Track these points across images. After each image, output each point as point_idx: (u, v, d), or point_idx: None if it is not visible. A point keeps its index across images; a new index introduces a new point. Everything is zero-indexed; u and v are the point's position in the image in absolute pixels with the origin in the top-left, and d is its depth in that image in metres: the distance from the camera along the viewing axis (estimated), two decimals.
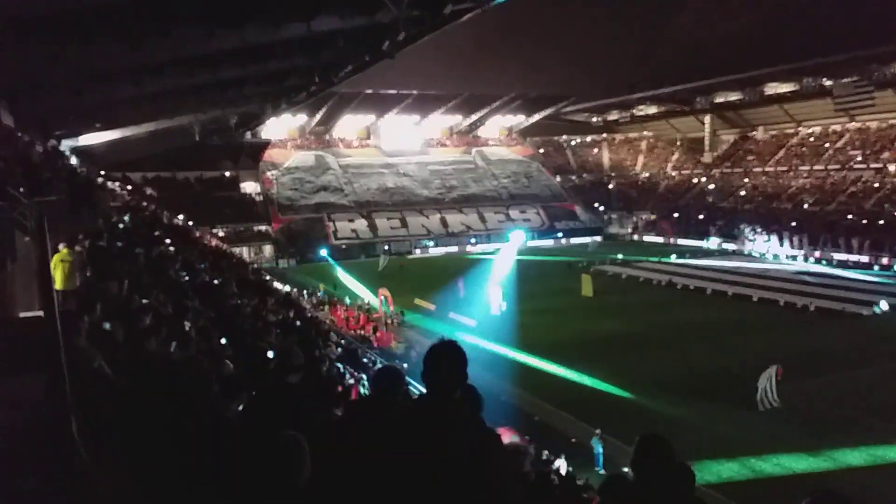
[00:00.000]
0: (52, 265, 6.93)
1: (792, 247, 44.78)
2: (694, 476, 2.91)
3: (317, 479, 2.27)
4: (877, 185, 50.21)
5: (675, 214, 59.24)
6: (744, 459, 13.66)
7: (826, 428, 15.02)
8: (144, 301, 6.63)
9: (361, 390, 10.94)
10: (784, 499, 11.37)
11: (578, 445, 14.46)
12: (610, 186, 69.45)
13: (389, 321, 27.26)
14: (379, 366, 13.56)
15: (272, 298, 17.46)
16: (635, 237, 59.28)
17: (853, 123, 57.72)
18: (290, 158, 61.78)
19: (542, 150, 74.28)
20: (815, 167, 56.71)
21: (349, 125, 67.03)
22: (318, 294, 32.79)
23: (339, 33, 17.96)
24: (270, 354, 5.06)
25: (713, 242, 50.98)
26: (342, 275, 38.35)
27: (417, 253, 52.95)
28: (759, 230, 47.90)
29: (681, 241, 52.91)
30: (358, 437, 2.27)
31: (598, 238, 57.03)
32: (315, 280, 36.41)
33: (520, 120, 73.91)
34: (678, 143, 73.74)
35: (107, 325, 4.55)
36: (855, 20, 44.81)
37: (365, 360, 18.07)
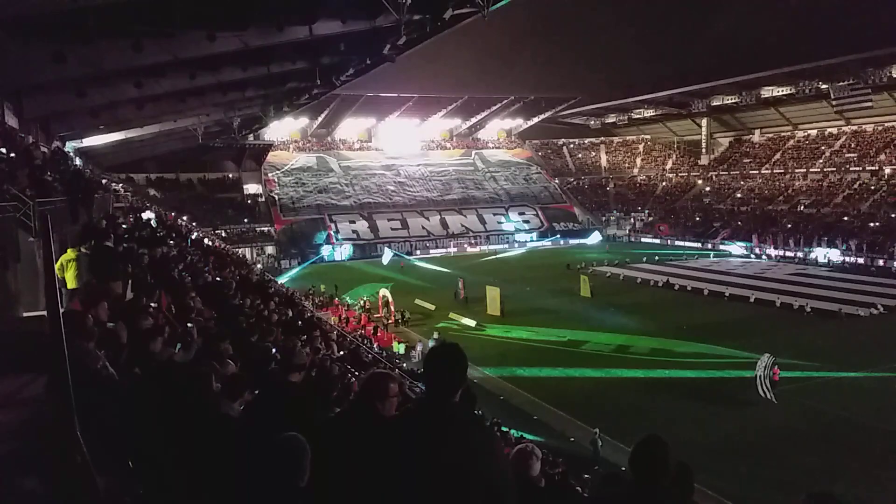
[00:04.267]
0: (59, 265, 7.07)
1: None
2: (692, 476, 2.90)
3: (317, 480, 2.26)
4: (873, 187, 50.56)
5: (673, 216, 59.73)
6: None
7: None
8: (152, 305, 6.67)
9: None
10: None
11: (576, 444, 14.68)
12: (608, 188, 69.79)
13: (390, 321, 27.41)
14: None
15: (274, 298, 17.58)
16: (633, 238, 59.57)
17: (849, 126, 58.14)
18: (293, 160, 62.07)
19: (540, 153, 74.61)
20: (812, 170, 57.06)
21: (350, 128, 67.38)
22: (320, 293, 32.94)
23: (340, 37, 18.21)
24: (272, 354, 5.08)
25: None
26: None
27: (418, 254, 53.16)
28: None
29: (679, 243, 53.27)
30: (358, 437, 2.26)
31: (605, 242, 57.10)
32: (316, 280, 36.56)
33: (518, 123, 74.27)
34: (675, 146, 74.11)
35: (110, 325, 4.52)
36: (851, 24, 45.16)
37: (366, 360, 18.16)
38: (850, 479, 12.19)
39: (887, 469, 12.80)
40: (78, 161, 23.66)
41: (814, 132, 61.15)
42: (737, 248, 48.36)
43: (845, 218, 47.34)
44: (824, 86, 51.91)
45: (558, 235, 58.80)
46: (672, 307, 29.35)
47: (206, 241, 24.15)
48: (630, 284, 36.01)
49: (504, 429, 14.26)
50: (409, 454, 1.86)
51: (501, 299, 28.84)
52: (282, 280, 33.43)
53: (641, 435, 2.38)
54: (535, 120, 72.54)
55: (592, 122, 77.76)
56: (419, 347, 22.62)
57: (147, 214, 10.20)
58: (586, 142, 77.83)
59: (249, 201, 55.64)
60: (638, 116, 71.74)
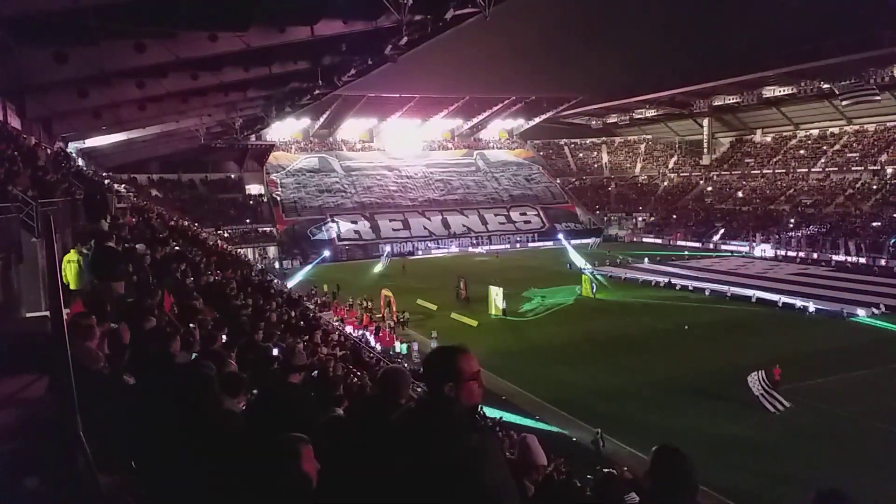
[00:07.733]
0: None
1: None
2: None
3: (318, 480, 2.26)
4: (875, 186, 50.45)
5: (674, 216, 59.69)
6: None
7: None
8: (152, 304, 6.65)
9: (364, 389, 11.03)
10: None
11: (578, 444, 14.67)
12: (609, 188, 69.75)
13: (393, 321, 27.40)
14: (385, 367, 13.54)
15: (276, 299, 17.60)
16: (634, 238, 59.52)
17: (851, 126, 58.02)
18: (295, 161, 62.23)
19: (542, 153, 74.63)
20: (813, 169, 56.96)
21: (352, 128, 67.54)
22: (322, 293, 32.97)
23: (342, 37, 18.25)
24: (274, 354, 5.09)
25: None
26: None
27: (419, 254, 53.23)
28: None
29: (681, 243, 53.21)
30: (358, 437, 2.26)
31: (599, 238, 57.54)
32: (318, 280, 36.60)
33: (520, 123, 74.32)
34: (677, 146, 74.05)
35: (113, 326, 4.53)
36: (852, 24, 45.12)
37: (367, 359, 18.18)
38: (853, 478, 11.97)
39: (893, 467, 12.77)
40: (80, 162, 23.74)
41: (815, 132, 61.02)
42: (738, 247, 48.36)
43: (847, 218, 47.25)
44: (826, 85, 51.82)
45: (560, 236, 58.70)
46: (674, 307, 29.32)
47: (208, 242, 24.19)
48: (632, 284, 35.98)
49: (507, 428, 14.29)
50: (406, 453, 1.88)
51: (504, 299, 28.84)
52: (290, 284, 33.32)
53: (661, 444, 2.28)
54: (537, 120, 72.60)
55: (594, 122, 77.72)
56: (416, 347, 22.63)
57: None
58: (588, 142, 77.81)
59: (251, 202, 55.74)
60: (639, 116, 71.68)
